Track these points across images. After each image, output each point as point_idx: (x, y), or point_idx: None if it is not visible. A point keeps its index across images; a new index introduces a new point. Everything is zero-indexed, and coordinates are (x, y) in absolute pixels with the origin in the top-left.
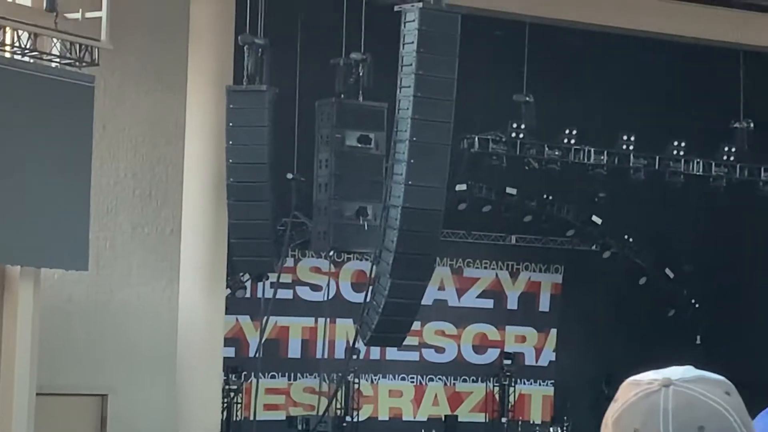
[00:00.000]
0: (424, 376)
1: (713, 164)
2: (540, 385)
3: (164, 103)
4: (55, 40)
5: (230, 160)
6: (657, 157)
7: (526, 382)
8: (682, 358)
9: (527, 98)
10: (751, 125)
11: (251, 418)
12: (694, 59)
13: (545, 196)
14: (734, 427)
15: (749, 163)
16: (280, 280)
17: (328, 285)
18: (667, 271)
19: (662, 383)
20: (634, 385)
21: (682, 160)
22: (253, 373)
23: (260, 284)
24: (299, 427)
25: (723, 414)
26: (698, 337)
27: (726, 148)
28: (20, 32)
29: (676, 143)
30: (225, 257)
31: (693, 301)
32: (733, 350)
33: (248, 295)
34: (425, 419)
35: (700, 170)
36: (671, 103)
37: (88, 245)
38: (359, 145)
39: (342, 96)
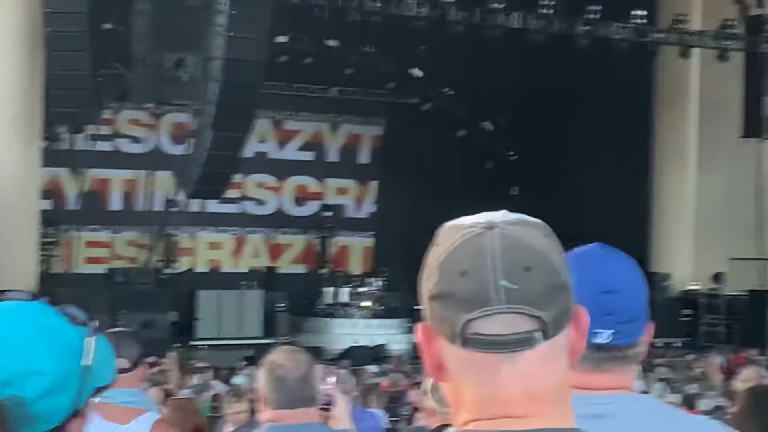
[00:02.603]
0: (245, 229)
1: (531, 17)
2: (360, 236)
3: None
4: None
5: (47, 9)
6: (477, 10)
7: (347, 234)
8: (499, 209)
9: None
10: None
11: (71, 270)
12: None
13: (366, 49)
14: (556, 267)
15: (566, 16)
16: (99, 132)
17: (147, 137)
18: (486, 123)
19: (486, 226)
20: (456, 228)
21: (501, 13)
22: (74, 226)
23: (79, 136)
24: (119, 280)
25: (546, 255)
26: (515, 188)
27: (544, 2)
28: None
29: None
30: (40, 108)
31: (510, 152)
32: (548, 202)
33: (67, 147)
34: (246, 270)
35: (519, 23)
36: None
37: None
38: None
39: None
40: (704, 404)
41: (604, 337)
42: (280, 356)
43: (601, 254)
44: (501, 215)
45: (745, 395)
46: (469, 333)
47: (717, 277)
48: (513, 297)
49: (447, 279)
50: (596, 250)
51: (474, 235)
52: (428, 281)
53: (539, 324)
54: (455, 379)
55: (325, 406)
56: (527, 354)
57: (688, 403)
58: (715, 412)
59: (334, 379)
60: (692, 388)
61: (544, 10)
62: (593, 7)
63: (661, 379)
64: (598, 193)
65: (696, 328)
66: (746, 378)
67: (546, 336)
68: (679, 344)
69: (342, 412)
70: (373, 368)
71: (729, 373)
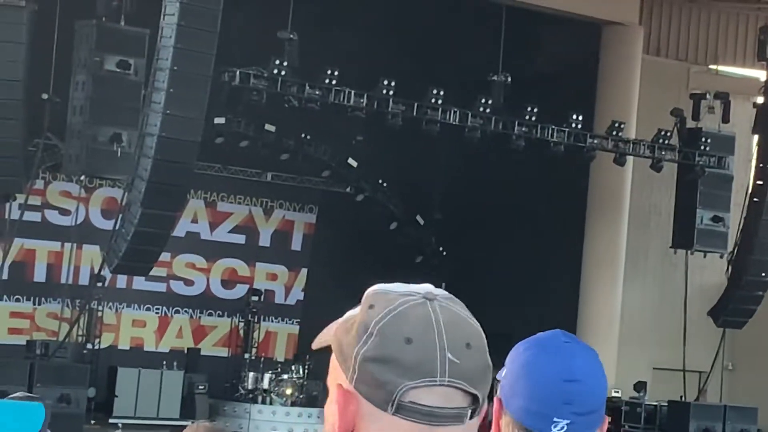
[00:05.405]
0: (170, 308)
1: (469, 115)
2: (287, 323)
3: None
4: None
5: None
6: (415, 104)
7: (273, 320)
8: None
9: (291, 36)
10: (509, 79)
11: None
12: (457, 10)
13: (303, 136)
14: (486, 348)
15: (504, 116)
16: (29, 202)
17: (77, 210)
18: (418, 217)
19: (425, 296)
20: (391, 294)
21: (440, 109)
22: None
23: (8, 205)
24: (38, 352)
25: (481, 334)
26: (443, 284)
27: (483, 100)
28: None
29: (435, 91)
30: None
31: (441, 248)
32: (476, 299)
33: None
34: (167, 350)
35: (457, 120)
36: (432, 51)
37: None
38: (118, 71)
39: (103, 19)
40: None
41: (559, 426)
42: None
43: (565, 341)
44: (431, 288)
45: None
46: (406, 401)
47: (638, 386)
48: (455, 371)
49: (390, 344)
50: (560, 337)
51: (416, 304)
52: (361, 343)
53: (473, 401)
54: None
55: None
56: (453, 429)
57: None
58: None
59: None
60: None
61: (482, 109)
62: (531, 109)
63: None
64: (526, 294)
65: None
66: None
67: (473, 414)
68: None
69: None
70: None
71: None
